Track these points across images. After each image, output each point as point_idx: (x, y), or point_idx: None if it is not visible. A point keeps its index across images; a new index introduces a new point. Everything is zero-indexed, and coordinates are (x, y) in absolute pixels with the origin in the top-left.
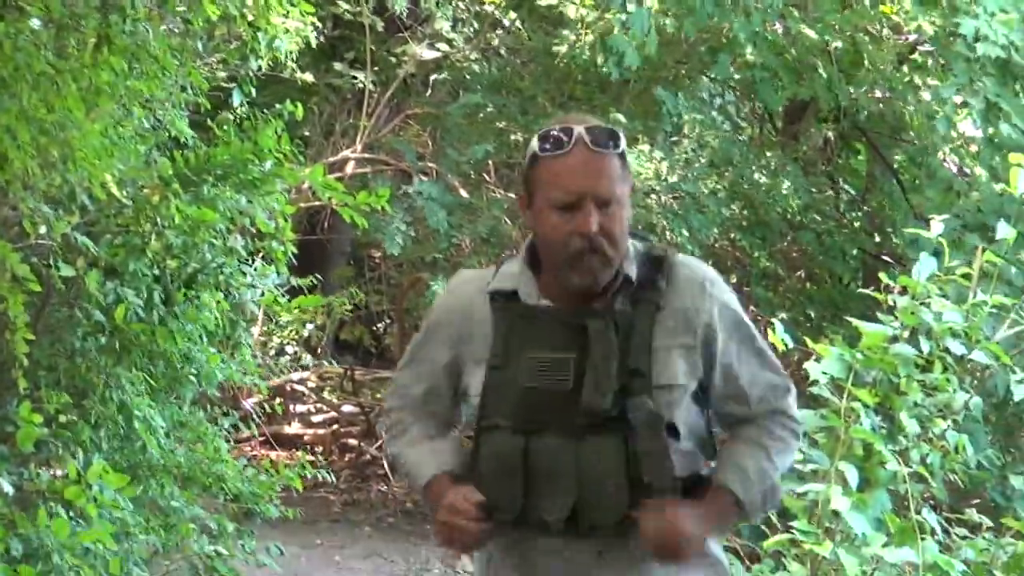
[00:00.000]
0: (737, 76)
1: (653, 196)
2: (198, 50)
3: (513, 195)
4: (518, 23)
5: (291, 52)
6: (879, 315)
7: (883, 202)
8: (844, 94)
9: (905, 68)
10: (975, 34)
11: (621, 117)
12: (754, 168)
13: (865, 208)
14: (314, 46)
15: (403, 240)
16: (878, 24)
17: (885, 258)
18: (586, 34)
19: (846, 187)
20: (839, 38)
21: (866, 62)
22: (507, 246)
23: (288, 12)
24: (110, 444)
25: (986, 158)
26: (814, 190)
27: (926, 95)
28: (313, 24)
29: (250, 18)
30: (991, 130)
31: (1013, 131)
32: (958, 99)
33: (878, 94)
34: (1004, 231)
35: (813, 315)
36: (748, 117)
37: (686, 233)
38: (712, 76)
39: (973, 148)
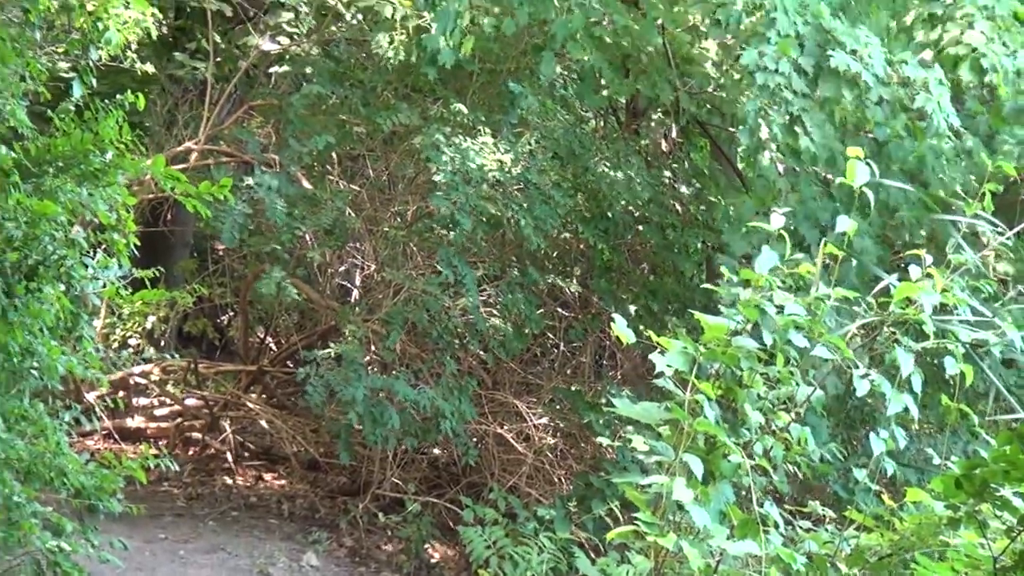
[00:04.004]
0: (566, 72)
1: (498, 187)
2: (37, 40)
3: (356, 187)
4: (359, 16)
5: (131, 43)
6: (722, 308)
7: (726, 195)
8: (669, 90)
9: (730, 66)
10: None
11: (463, 108)
12: (597, 160)
13: (706, 202)
14: (155, 36)
15: (240, 232)
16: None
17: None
18: (400, 34)
19: (693, 181)
20: (668, 35)
21: (694, 59)
22: (350, 238)
23: (128, 3)
24: None
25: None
26: (657, 184)
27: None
28: (154, 15)
29: (90, 8)
30: (794, 142)
31: (812, 144)
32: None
33: (710, 90)
34: (844, 224)
35: (656, 308)
36: (591, 109)
37: (531, 224)
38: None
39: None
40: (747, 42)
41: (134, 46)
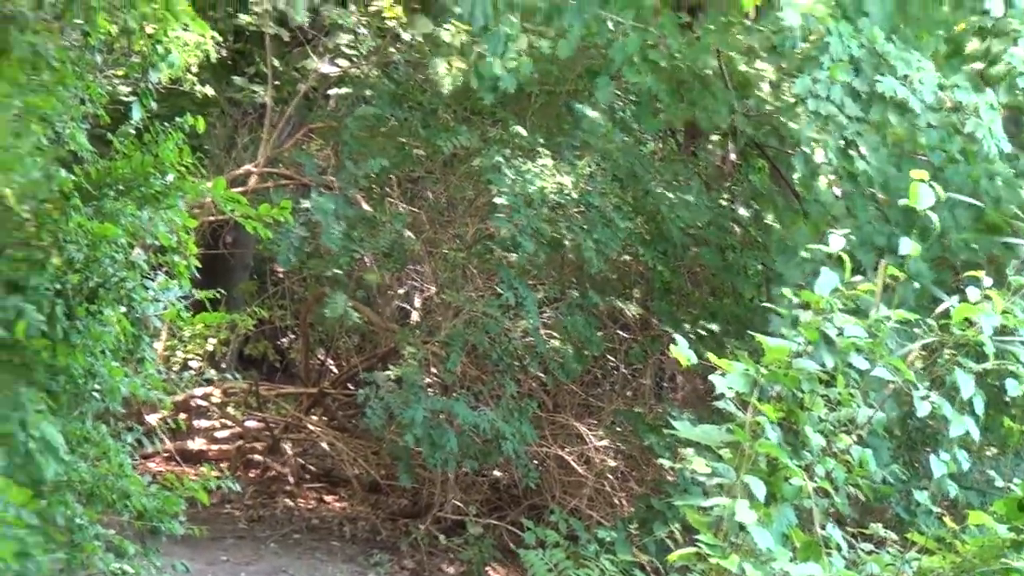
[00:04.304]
0: (624, 94)
1: (558, 210)
2: (97, 63)
3: (416, 209)
4: (418, 37)
5: (191, 66)
6: (783, 330)
7: (783, 218)
8: (726, 113)
9: (786, 88)
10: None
11: (522, 130)
12: (656, 182)
13: (765, 224)
14: (215, 60)
15: (297, 255)
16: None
17: None
18: (458, 60)
19: (752, 203)
20: (724, 58)
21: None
22: (410, 260)
23: (187, 26)
24: (11, 461)
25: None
26: (715, 205)
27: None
28: (213, 38)
29: (149, 31)
30: (850, 165)
31: (868, 167)
32: None
33: (767, 112)
34: (906, 247)
35: (716, 330)
36: (650, 131)
37: (592, 247)
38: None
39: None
40: (801, 67)
41: (194, 69)
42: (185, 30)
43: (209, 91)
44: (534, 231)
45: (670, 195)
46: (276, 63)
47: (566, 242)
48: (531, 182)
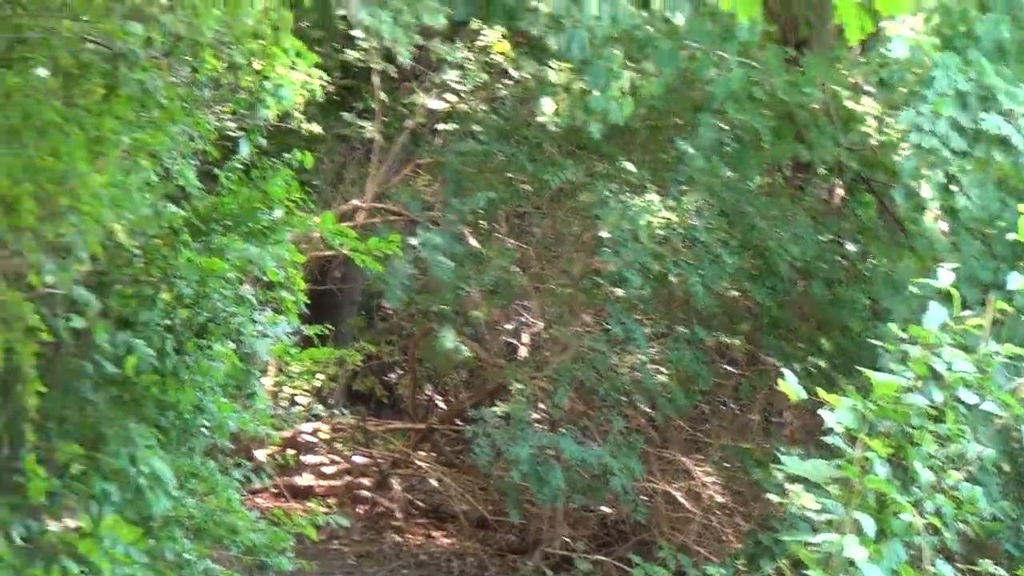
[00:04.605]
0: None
1: (665, 244)
2: (205, 99)
3: (523, 245)
4: (526, 74)
5: (298, 103)
6: (891, 365)
7: (889, 252)
8: (831, 148)
9: (891, 123)
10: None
11: (630, 166)
12: (763, 217)
13: (872, 259)
14: (322, 98)
15: (405, 292)
16: (867, 78)
17: None
18: (563, 98)
19: (859, 238)
20: (829, 93)
21: (855, 115)
22: (517, 296)
23: (294, 63)
24: (122, 496)
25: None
26: (822, 240)
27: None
28: (320, 78)
29: (257, 67)
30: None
31: (970, 203)
32: None
33: (873, 146)
34: (1016, 281)
35: (824, 365)
36: (758, 165)
37: (699, 282)
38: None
39: None
40: (907, 100)
41: (301, 106)
42: (292, 68)
43: (316, 128)
44: (640, 266)
45: (777, 230)
46: (384, 99)
47: (672, 277)
48: (637, 217)
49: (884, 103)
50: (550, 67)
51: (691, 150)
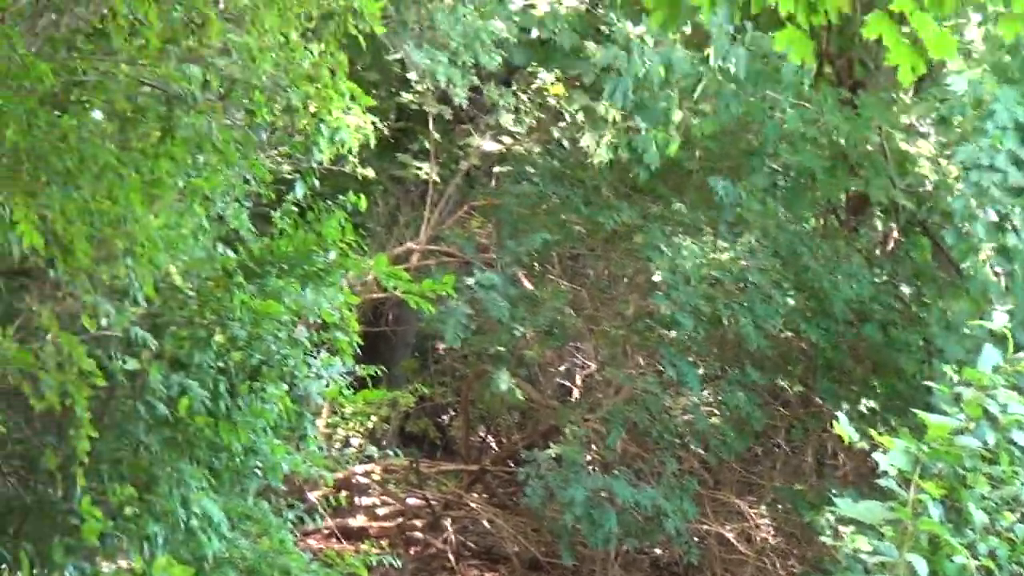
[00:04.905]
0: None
1: (718, 286)
2: (261, 142)
3: (576, 287)
4: (580, 115)
5: (353, 146)
6: (944, 406)
7: (944, 294)
8: (885, 189)
9: (945, 163)
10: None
11: (682, 207)
12: (817, 259)
13: (927, 301)
14: (376, 142)
15: (462, 332)
16: (923, 118)
17: None
18: (612, 136)
19: (914, 279)
20: (885, 134)
21: (909, 156)
22: (571, 338)
23: (349, 107)
24: (175, 537)
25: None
26: (877, 282)
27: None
28: (374, 122)
29: (312, 110)
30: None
31: (1021, 243)
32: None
33: (927, 188)
34: None
35: (878, 407)
36: (812, 207)
37: (751, 324)
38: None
39: None
40: (966, 135)
41: (356, 149)
42: (347, 112)
43: (370, 172)
44: (693, 308)
45: (831, 272)
46: (438, 141)
47: (725, 319)
48: (690, 259)
49: (941, 142)
50: (600, 105)
51: (745, 190)
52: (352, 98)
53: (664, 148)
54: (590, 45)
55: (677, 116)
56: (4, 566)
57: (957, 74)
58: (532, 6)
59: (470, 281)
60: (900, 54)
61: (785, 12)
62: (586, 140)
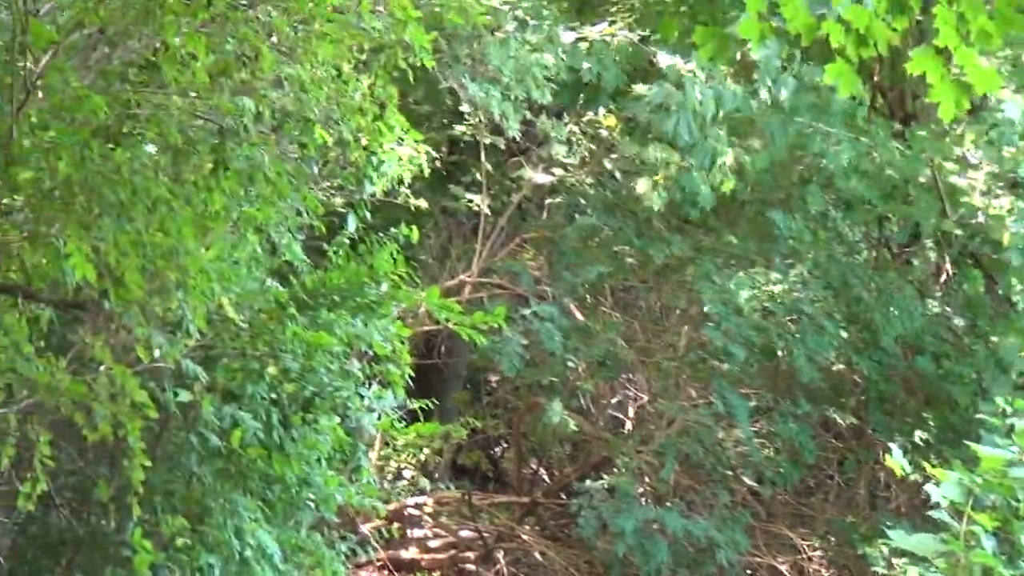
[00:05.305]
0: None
1: (770, 318)
2: (313, 174)
3: (629, 318)
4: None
5: (404, 179)
6: (997, 439)
7: (996, 327)
8: (937, 221)
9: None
10: None
11: (734, 239)
12: (870, 291)
13: (980, 333)
14: (428, 173)
15: (518, 362)
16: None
17: None
18: (664, 177)
19: (966, 312)
20: (936, 166)
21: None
22: (623, 369)
23: (402, 139)
24: (228, 568)
25: None
26: (930, 314)
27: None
28: (428, 152)
29: (364, 142)
30: None
31: None
32: None
33: (979, 220)
34: None
35: (931, 439)
36: (864, 239)
37: (803, 355)
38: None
39: None
40: (1017, 165)
41: (407, 180)
42: (400, 143)
43: (423, 203)
44: (744, 339)
45: (884, 304)
46: (491, 173)
47: (778, 351)
48: (741, 290)
49: (993, 173)
50: (652, 145)
51: (799, 221)
52: (404, 131)
53: (719, 187)
54: (638, 86)
55: (729, 156)
56: None
57: (1011, 100)
58: (584, 39)
59: (525, 312)
60: (943, 90)
61: (836, 44)
62: (641, 186)
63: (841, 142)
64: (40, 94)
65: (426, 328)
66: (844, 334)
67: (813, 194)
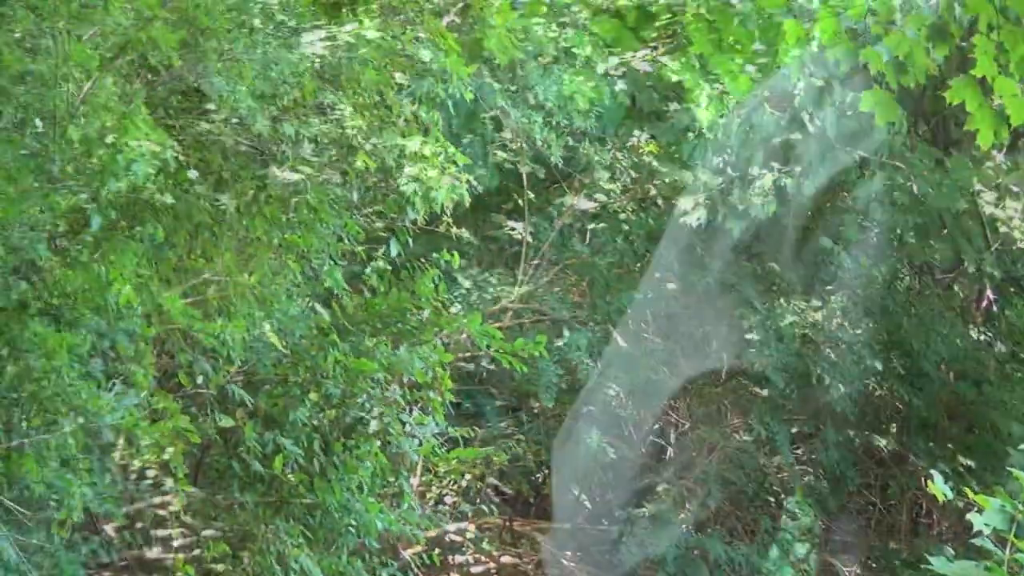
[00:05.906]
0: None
1: (809, 345)
2: (354, 201)
3: (673, 344)
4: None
5: (447, 205)
6: None
7: None
8: (975, 249)
9: None
10: None
11: (776, 266)
12: (911, 318)
13: (1021, 359)
14: (470, 201)
15: (555, 392)
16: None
17: None
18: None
19: (1010, 338)
20: (976, 195)
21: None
22: (664, 396)
23: (446, 168)
24: None
25: None
26: (971, 339)
27: None
28: (468, 180)
29: (407, 170)
30: None
31: None
32: None
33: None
34: None
35: (974, 465)
36: (905, 266)
37: (839, 382)
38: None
39: None
40: None
41: (450, 208)
42: (443, 172)
43: (464, 233)
44: (784, 366)
45: (925, 330)
46: (533, 199)
47: (816, 378)
48: (781, 317)
49: None
50: (693, 168)
51: (836, 249)
52: (451, 161)
53: (761, 211)
54: (673, 106)
55: (768, 179)
56: None
57: None
58: (626, 62)
59: (563, 340)
60: (982, 119)
61: (874, 72)
62: (684, 203)
63: (878, 172)
64: (83, 119)
65: (468, 354)
66: (883, 361)
67: (849, 226)
